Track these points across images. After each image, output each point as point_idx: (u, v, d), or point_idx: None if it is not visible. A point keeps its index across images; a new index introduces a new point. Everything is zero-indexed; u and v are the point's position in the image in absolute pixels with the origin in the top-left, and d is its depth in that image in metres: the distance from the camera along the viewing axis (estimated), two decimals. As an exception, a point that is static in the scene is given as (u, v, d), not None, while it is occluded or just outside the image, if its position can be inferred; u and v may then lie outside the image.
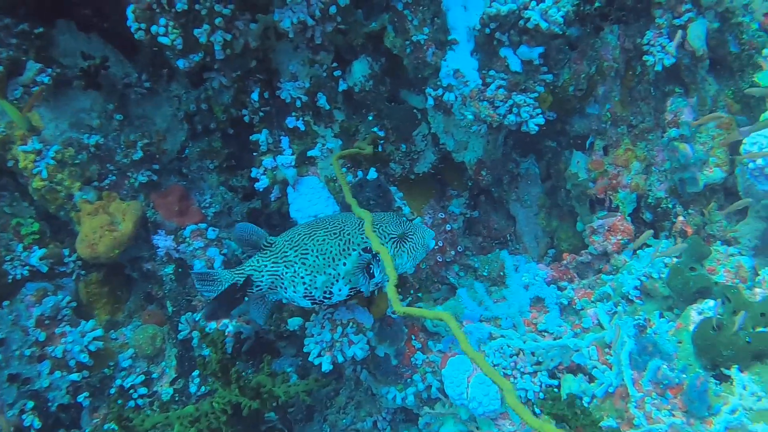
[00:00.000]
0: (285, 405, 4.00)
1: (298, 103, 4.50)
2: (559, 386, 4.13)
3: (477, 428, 4.29)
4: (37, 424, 4.25)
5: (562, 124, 4.95)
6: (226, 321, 4.57)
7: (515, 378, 4.17)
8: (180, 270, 4.70)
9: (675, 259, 4.37)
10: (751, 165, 4.06)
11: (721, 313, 3.76)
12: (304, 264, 3.61)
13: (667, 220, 4.78)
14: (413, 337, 4.61)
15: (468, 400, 4.11)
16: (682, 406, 3.62)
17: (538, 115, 4.36)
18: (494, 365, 4.25)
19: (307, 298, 3.70)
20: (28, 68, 4.26)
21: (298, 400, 3.85)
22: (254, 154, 4.71)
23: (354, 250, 3.60)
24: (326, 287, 3.64)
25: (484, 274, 5.14)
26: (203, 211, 4.98)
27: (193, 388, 4.61)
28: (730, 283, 4.20)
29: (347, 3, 3.99)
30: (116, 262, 4.68)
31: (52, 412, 4.35)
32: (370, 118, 4.62)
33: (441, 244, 5.13)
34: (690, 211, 4.69)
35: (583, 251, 4.99)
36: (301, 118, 4.56)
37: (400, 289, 4.64)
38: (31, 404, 4.25)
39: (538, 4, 4.08)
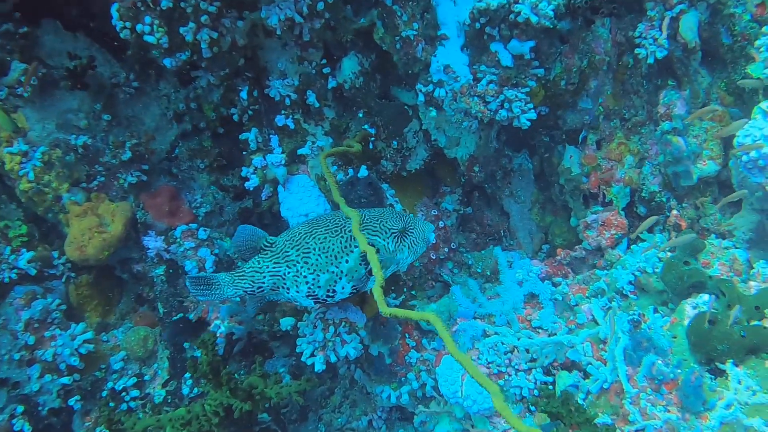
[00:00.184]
0: (278, 406, 3.96)
1: (288, 101, 4.45)
2: (553, 383, 4.10)
3: (472, 426, 4.26)
4: (28, 428, 4.22)
5: (554, 118, 4.91)
6: (218, 322, 4.53)
7: (510, 375, 4.14)
8: (171, 271, 4.66)
9: (669, 254, 4.34)
10: (744, 157, 4.02)
11: (715, 307, 3.73)
12: (306, 263, 3.57)
13: (661, 214, 4.75)
14: (407, 336, 4.58)
15: (462, 399, 4.08)
16: (677, 401, 3.59)
17: (529, 110, 4.32)
18: (489, 362, 4.21)
19: (310, 297, 3.66)
20: (13, 69, 4.21)
21: (291, 401, 3.82)
22: (244, 153, 4.66)
23: (356, 247, 3.57)
24: (329, 285, 3.60)
25: (478, 270, 5.10)
26: (194, 212, 4.93)
27: (185, 390, 4.57)
28: (724, 276, 4.18)
29: (335, -1, 3.94)
30: (106, 263, 4.63)
31: (42, 417, 4.31)
32: (361, 115, 4.57)
33: (434, 241, 5.10)
34: (684, 204, 4.66)
35: (577, 246, 4.96)
36: (290, 116, 4.51)
37: (393, 287, 4.62)
38: (21, 408, 4.21)
39: (528, -2, 4.03)
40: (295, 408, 4.80)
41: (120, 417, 3.73)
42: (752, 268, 4.24)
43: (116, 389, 4.49)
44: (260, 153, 4.54)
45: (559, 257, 4.98)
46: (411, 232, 3.73)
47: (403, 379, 4.51)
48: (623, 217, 4.78)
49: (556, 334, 4.34)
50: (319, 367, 4.09)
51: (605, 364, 3.95)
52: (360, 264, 3.59)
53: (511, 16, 4.08)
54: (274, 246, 3.64)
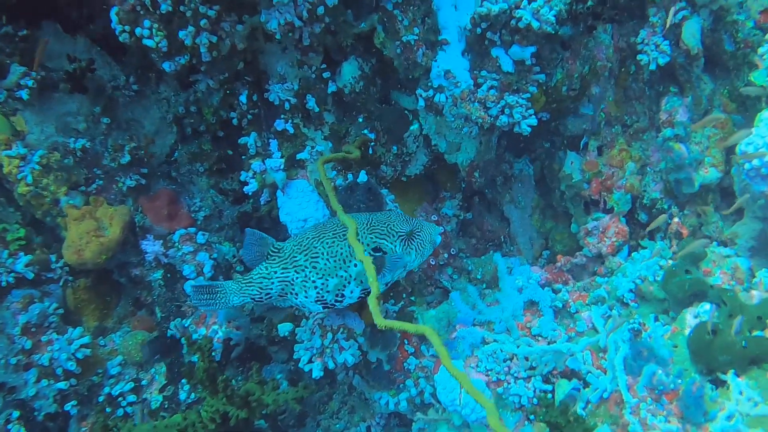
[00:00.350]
0: (275, 413, 3.93)
1: (287, 106, 4.43)
2: (553, 391, 4.06)
3: (471, 434, 4.23)
4: (24, 433, 4.20)
5: (555, 124, 4.88)
6: (215, 327, 4.50)
7: (509, 383, 4.11)
8: (169, 275, 4.64)
9: (670, 262, 4.31)
10: (747, 165, 3.99)
11: (716, 316, 3.69)
12: (315, 268, 3.54)
13: (662, 223, 4.71)
14: (406, 342, 4.55)
15: (461, 406, 4.05)
16: (677, 412, 3.56)
17: (530, 115, 4.29)
18: (488, 370, 4.18)
19: (318, 302, 3.63)
20: (12, 71, 4.19)
21: (289, 408, 3.79)
22: (243, 157, 4.64)
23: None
24: (338, 290, 3.58)
25: (478, 276, 5.07)
26: (193, 215, 4.92)
27: (182, 396, 4.54)
28: (726, 285, 4.14)
29: (335, 3, 3.91)
30: (104, 267, 4.61)
31: (38, 422, 4.28)
32: (361, 120, 4.55)
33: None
34: (686, 212, 4.63)
35: (577, 253, 4.93)
36: (290, 121, 4.49)
37: (391, 293, 4.60)
38: (17, 414, 4.19)
39: (529, 3, 4.00)
40: (293, 414, 4.77)
41: (116, 423, 3.71)
42: (754, 276, 4.20)
43: (113, 394, 4.46)
44: (259, 157, 4.52)
45: (559, 264, 4.94)
46: (418, 235, 3.73)
47: (401, 385, 4.48)
48: (624, 224, 4.75)
49: (555, 341, 4.31)
50: (317, 373, 4.06)
51: (605, 373, 3.92)
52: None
53: (513, 21, 4.05)
54: (281, 251, 3.61)
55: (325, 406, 5.19)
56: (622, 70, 4.69)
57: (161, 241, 4.64)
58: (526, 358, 4.19)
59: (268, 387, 3.78)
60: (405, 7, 4.23)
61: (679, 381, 3.62)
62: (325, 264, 3.53)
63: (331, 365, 4.12)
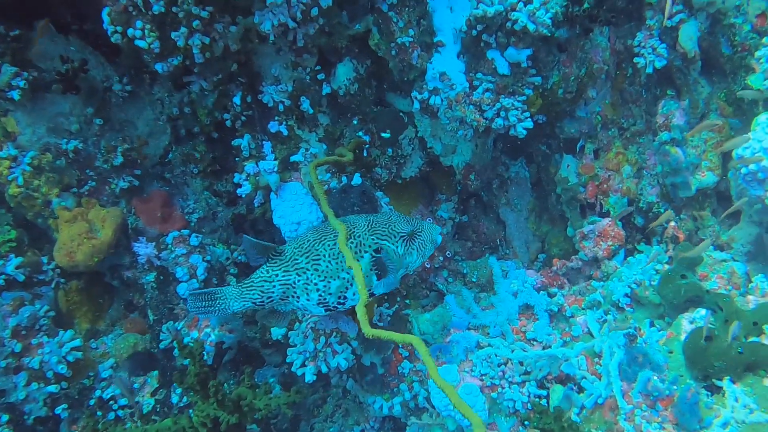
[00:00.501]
0: (267, 417, 3.90)
1: (281, 107, 4.40)
2: (547, 396, 4.03)
3: (465, 439, 4.20)
4: (13, 437, 4.16)
5: (551, 127, 4.86)
6: (208, 330, 4.47)
7: (503, 388, 4.08)
8: (162, 278, 4.60)
9: (666, 266, 4.29)
10: (743, 170, 3.97)
11: (712, 322, 3.67)
12: (316, 270, 3.50)
13: (659, 225, 4.68)
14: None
15: (455, 411, 4.01)
16: (672, 418, 3.53)
17: (526, 118, 4.27)
18: (482, 374, 4.15)
19: (320, 305, 3.59)
20: (3, 72, 4.15)
21: (281, 412, 3.76)
22: (237, 159, 4.60)
23: (366, 251, 3.52)
24: (341, 292, 3.54)
25: (473, 280, 5.05)
26: (186, 217, 4.88)
27: (174, 399, 4.50)
28: (722, 290, 4.11)
29: (330, 4, 3.88)
30: (96, 269, 4.57)
31: (28, 426, 4.24)
32: (355, 122, 4.52)
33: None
34: (682, 216, 4.60)
35: (573, 257, 4.90)
36: (284, 123, 4.45)
37: (386, 297, 4.56)
38: (6, 417, 4.15)
39: (525, 6, 3.98)
40: (286, 418, 4.73)
41: (106, 427, 3.68)
42: (751, 281, 4.18)
43: (104, 398, 4.42)
44: (253, 159, 4.48)
45: (555, 267, 4.92)
46: (419, 235, 3.69)
47: (395, 389, 4.45)
48: (620, 228, 4.71)
49: (550, 346, 4.28)
50: (310, 377, 4.03)
51: (600, 379, 3.89)
52: (371, 269, 3.54)
53: (508, 23, 4.03)
54: (282, 254, 3.57)
55: (319, 409, 5.15)
56: (619, 73, 4.67)
57: (154, 243, 4.60)
58: (521, 363, 4.16)
59: (260, 391, 3.75)
60: (400, 9, 4.20)
61: (675, 387, 3.59)
62: (327, 266, 3.49)
63: (324, 369, 4.08)
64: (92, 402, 4.40)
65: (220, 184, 4.88)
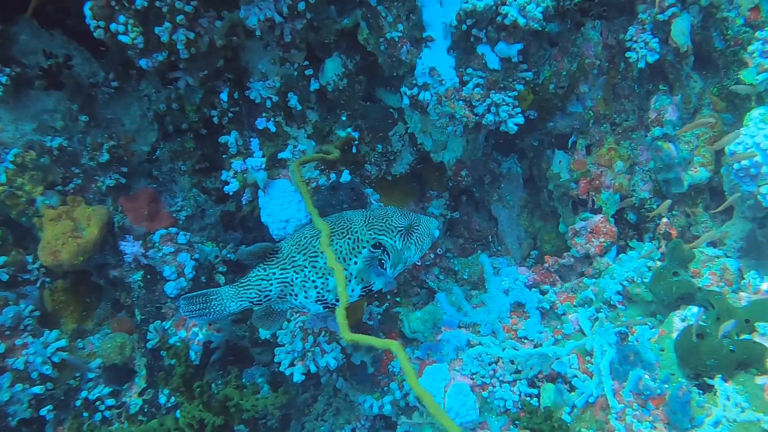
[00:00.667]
0: (254, 418, 3.85)
1: (269, 104, 4.33)
2: (538, 395, 3.99)
3: (455, 438, 4.15)
4: (-3, 439, 4.10)
5: (543, 122, 4.80)
6: (195, 329, 4.42)
7: (494, 387, 4.04)
8: (149, 277, 4.54)
9: (658, 263, 4.25)
10: (736, 165, 3.93)
11: (704, 320, 3.63)
12: (314, 267, 3.45)
13: (651, 222, 4.65)
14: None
15: (446, 411, 3.97)
16: (664, 417, 3.49)
17: (517, 114, 4.22)
18: (473, 373, 4.11)
19: (319, 302, 3.54)
20: (-15, 68, 4.08)
21: (268, 413, 3.71)
22: (224, 156, 4.54)
23: (364, 247, 3.48)
24: None
25: (465, 277, 5.00)
26: (174, 215, 4.81)
27: (162, 399, 4.45)
28: (714, 286, 4.08)
29: (317, -1, 3.82)
30: (82, 268, 4.51)
31: (12, 428, 4.18)
32: (344, 118, 4.46)
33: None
34: (674, 212, 4.56)
35: (565, 253, 4.86)
36: (271, 119, 4.38)
37: (376, 294, 4.51)
38: (-11, 419, 4.11)
39: (515, 0, 3.92)
40: (275, 417, 4.69)
41: (92, 428, 3.63)
42: (743, 277, 4.15)
43: (90, 398, 4.35)
44: (240, 156, 4.42)
45: (547, 264, 4.88)
46: (416, 229, 3.66)
47: (385, 388, 4.41)
48: (612, 225, 4.67)
49: (541, 344, 4.24)
50: (298, 377, 3.98)
51: (591, 377, 3.85)
52: (369, 265, 3.49)
53: (499, 18, 3.97)
54: (279, 252, 3.51)
55: (309, 408, 5.10)
56: (612, 67, 4.62)
57: (141, 242, 4.53)
58: (512, 362, 4.12)
59: (248, 392, 3.70)
60: (389, 3, 4.13)
61: (666, 386, 3.56)
62: (325, 263, 3.44)
63: (313, 369, 4.03)
64: (78, 403, 4.34)
65: (208, 181, 4.82)
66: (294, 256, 3.47)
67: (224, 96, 4.32)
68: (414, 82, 4.21)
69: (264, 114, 4.39)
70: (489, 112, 4.19)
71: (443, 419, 1.78)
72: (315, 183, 4.35)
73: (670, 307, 3.96)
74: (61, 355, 4.26)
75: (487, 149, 5.06)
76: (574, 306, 4.51)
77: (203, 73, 4.20)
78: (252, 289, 3.51)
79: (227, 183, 4.47)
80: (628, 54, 4.35)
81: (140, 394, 4.52)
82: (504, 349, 4.18)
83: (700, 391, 3.49)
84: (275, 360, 4.06)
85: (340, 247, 3.45)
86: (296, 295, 3.51)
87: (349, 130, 4.45)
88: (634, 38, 4.31)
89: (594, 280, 4.58)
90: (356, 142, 4.46)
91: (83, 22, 4.06)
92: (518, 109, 4.22)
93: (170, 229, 4.64)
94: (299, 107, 4.36)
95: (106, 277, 4.64)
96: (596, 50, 4.47)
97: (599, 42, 4.46)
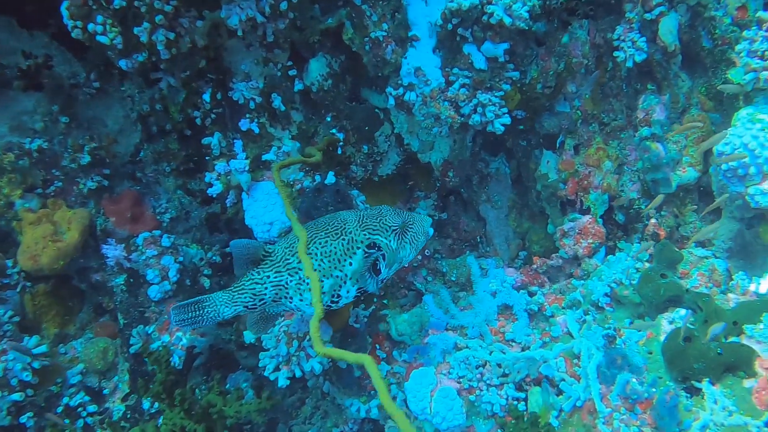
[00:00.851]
0: (238, 425, 3.79)
1: (252, 105, 4.26)
2: (526, 399, 3.95)
3: (442, 443, 4.12)
4: (-25, 447, 4.03)
5: (531, 122, 4.76)
6: (179, 334, 4.35)
7: (481, 390, 3.99)
8: (132, 280, 4.47)
9: (647, 264, 4.21)
10: (723, 166, 3.89)
11: (692, 322, 3.59)
12: None
13: (640, 222, 4.62)
14: (378, 347, 4.43)
15: (432, 415, 3.93)
16: (651, 421, 3.46)
17: (504, 114, 4.17)
18: (459, 377, 4.06)
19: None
20: (-38, 69, 4.00)
21: (252, 419, 3.66)
22: (207, 158, 4.47)
23: (358, 248, 3.43)
24: (334, 290, 3.44)
25: (453, 278, 4.95)
26: (158, 217, 4.76)
27: (146, 405, 4.38)
28: (703, 287, 4.05)
29: (300, -2, 3.76)
30: (64, 272, 4.44)
31: (-9, 435, 4.12)
32: (329, 119, 4.40)
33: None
34: (663, 212, 4.53)
35: (554, 254, 4.82)
36: (255, 120, 4.31)
37: (362, 297, 4.46)
38: (-32, 427, 4.03)
39: (501, -1, 3.87)
40: (260, 424, 4.63)
41: (71, 435, 3.58)
42: (731, 278, 4.13)
43: (71, 405, 4.28)
44: (223, 158, 4.35)
45: (535, 265, 4.84)
46: (411, 227, 3.61)
47: (372, 392, 4.36)
48: (601, 225, 4.64)
49: (529, 347, 4.20)
50: (283, 382, 3.93)
51: (579, 381, 3.82)
52: (364, 265, 3.44)
53: (484, 17, 3.92)
54: (273, 254, 3.44)
55: (297, 411, 5.05)
56: (600, 67, 4.57)
57: (123, 245, 4.46)
58: (499, 365, 4.07)
59: (231, 398, 3.65)
60: (374, 2, 4.07)
61: (653, 390, 3.52)
62: (320, 265, 3.39)
63: (298, 373, 3.98)
64: (59, 410, 4.27)
65: (193, 182, 4.74)
66: (288, 259, 3.42)
67: (207, 97, 4.24)
68: (399, 82, 4.16)
69: (247, 115, 4.32)
70: (475, 113, 4.14)
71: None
72: (299, 185, 4.29)
73: (658, 309, 3.93)
74: (42, 361, 4.19)
75: (475, 149, 5.01)
76: (563, 308, 4.47)
77: (185, 73, 4.13)
78: (246, 293, 3.45)
79: (211, 185, 4.40)
80: (615, 53, 4.31)
81: (123, 399, 4.45)
82: (491, 353, 4.13)
83: (688, 395, 3.45)
84: (260, 365, 4.01)
85: (335, 248, 3.41)
86: (291, 297, 3.46)
87: (333, 131, 4.39)
88: (622, 37, 4.27)
89: (582, 281, 4.54)
90: (341, 143, 4.40)
91: (64, 22, 3.99)
92: (505, 109, 4.17)
93: (154, 231, 4.58)
94: (283, 108, 4.30)
95: (88, 282, 4.57)
96: (583, 49, 4.42)
97: (586, 41, 4.42)
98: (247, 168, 4.26)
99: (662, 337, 3.71)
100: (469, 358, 4.10)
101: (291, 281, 3.42)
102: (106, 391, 4.49)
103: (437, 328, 4.44)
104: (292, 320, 4.04)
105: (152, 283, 4.44)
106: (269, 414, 4.58)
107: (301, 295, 3.44)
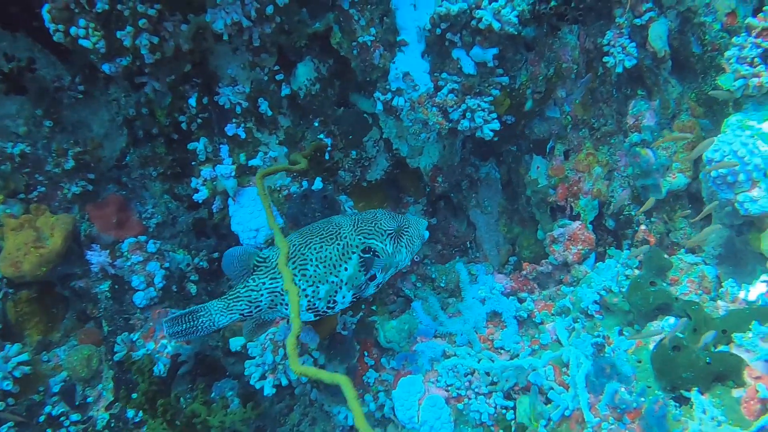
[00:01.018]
0: (223, 433, 3.74)
1: (239, 109, 4.22)
2: (514, 408, 3.92)
3: (430, 451, 4.07)
4: (-46, 458, 3.96)
5: (521, 127, 4.73)
6: (164, 341, 4.29)
7: (469, 399, 3.95)
8: (116, 287, 4.41)
9: (636, 271, 4.19)
10: (713, 173, 3.87)
11: (681, 330, 3.56)
12: (304, 275, 3.34)
13: (630, 228, 4.59)
14: (366, 354, 4.38)
15: (419, 424, 3.89)
16: (640, 431, 3.43)
17: (493, 119, 4.14)
18: (448, 385, 4.02)
19: (310, 311, 3.44)
20: (-58, 72, 3.94)
21: (236, 429, 3.61)
22: (193, 163, 4.42)
23: (354, 253, 3.39)
24: (330, 296, 3.39)
25: (442, 285, 4.91)
26: (144, 223, 4.70)
27: (130, 413, 4.31)
28: (692, 294, 4.03)
29: (286, 2, 3.70)
30: (47, 279, 4.37)
31: (-29, 446, 4.05)
32: (317, 124, 4.35)
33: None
34: (653, 219, 4.50)
35: (543, 261, 4.78)
36: (242, 125, 4.27)
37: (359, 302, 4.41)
38: (-54, 438, 3.96)
39: (490, 3, 3.84)
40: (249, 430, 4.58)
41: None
42: (721, 285, 4.10)
43: (53, 414, 4.21)
44: (209, 163, 4.30)
45: (524, 272, 4.80)
46: (406, 231, 3.58)
47: (360, 400, 4.31)
48: (590, 232, 4.60)
49: (518, 355, 4.16)
50: (268, 391, 3.88)
51: (568, 389, 3.78)
52: (359, 270, 3.40)
53: (473, 22, 3.88)
54: (267, 261, 3.39)
55: (285, 418, 5.00)
56: (590, 72, 4.54)
57: (108, 251, 4.40)
58: (487, 373, 4.03)
59: (217, 407, 3.61)
60: (362, 6, 4.03)
61: (642, 399, 3.48)
62: (315, 270, 3.34)
63: (284, 382, 3.93)
64: (41, 419, 4.20)
65: (180, 187, 4.70)
66: None
67: (193, 101, 4.20)
68: (387, 87, 4.12)
69: (234, 120, 4.28)
70: (464, 118, 4.10)
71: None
72: (287, 191, 4.24)
73: (648, 317, 3.90)
74: (23, 370, 4.12)
75: (465, 154, 4.97)
76: (552, 315, 4.44)
77: (170, 78, 4.09)
78: (242, 300, 3.40)
79: (197, 191, 4.35)
80: (605, 59, 4.28)
81: (107, 408, 4.39)
82: (479, 361, 4.09)
83: (677, 404, 3.42)
84: (245, 373, 3.95)
85: (330, 253, 3.37)
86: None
87: (321, 136, 4.34)
88: (612, 42, 4.24)
89: (572, 288, 4.51)
90: (329, 149, 4.35)
91: (48, 25, 3.93)
92: (494, 115, 4.14)
93: (139, 237, 4.53)
94: (270, 113, 4.25)
95: (71, 288, 4.50)
96: (573, 54, 4.40)
97: (576, 46, 4.39)
98: (233, 173, 4.21)
99: (651, 346, 3.68)
100: (457, 366, 4.06)
101: None
102: (89, 399, 4.43)
103: (426, 335, 4.40)
104: (278, 328, 3.99)
105: (137, 290, 4.38)
106: (256, 422, 4.52)
107: None
